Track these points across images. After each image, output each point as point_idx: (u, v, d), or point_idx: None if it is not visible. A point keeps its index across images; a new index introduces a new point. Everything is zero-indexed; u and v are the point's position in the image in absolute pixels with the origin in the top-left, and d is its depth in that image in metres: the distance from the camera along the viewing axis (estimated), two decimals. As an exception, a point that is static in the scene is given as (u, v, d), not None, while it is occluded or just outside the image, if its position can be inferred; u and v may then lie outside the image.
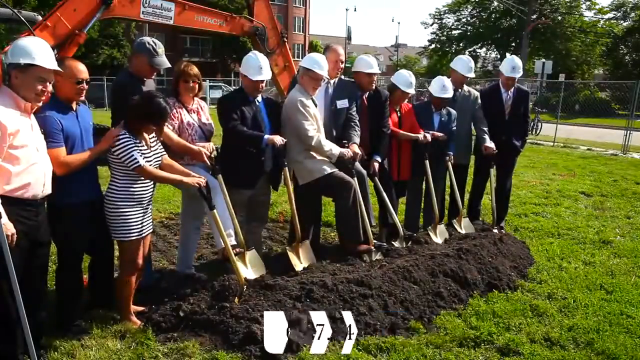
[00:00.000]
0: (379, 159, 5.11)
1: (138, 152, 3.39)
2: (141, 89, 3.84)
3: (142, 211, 3.55)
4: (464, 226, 5.89)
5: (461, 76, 5.89)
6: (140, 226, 3.54)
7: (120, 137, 3.38)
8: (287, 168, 4.46)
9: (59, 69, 3.00)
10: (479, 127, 5.97)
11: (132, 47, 4.38)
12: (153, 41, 3.98)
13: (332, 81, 4.91)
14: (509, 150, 6.06)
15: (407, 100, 5.65)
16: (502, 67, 6.09)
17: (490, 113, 6.00)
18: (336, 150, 4.52)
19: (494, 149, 5.82)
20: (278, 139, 4.28)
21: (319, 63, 4.48)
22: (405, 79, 5.38)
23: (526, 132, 6.36)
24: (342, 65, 5.00)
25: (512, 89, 6.00)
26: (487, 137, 5.87)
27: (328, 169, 4.54)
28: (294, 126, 4.46)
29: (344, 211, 4.60)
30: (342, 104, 4.88)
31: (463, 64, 5.97)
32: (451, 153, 5.73)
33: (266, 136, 4.28)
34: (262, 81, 4.33)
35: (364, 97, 5.16)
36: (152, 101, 3.44)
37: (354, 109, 4.97)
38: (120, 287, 3.66)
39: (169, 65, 4.10)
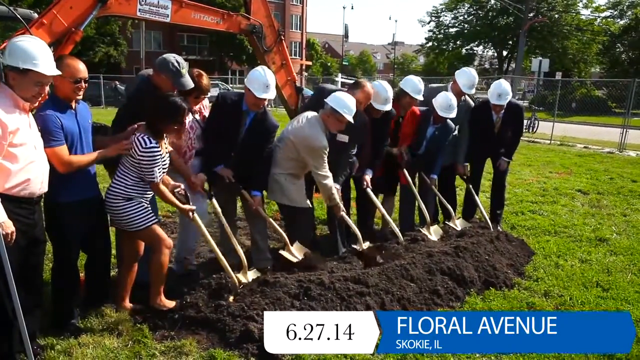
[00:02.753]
0: (369, 174, 5.14)
1: (159, 169, 3.48)
2: None
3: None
4: (459, 224, 5.92)
5: (460, 90, 5.75)
6: (152, 211, 3.64)
7: (151, 148, 3.40)
8: (245, 192, 4.39)
9: (59, 73, 3.00)
10: (460, 144, 5.94)
11: (155, 63, 4.28)
12: (177, 61, 3.92)
13: None
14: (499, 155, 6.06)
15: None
16: (489, 92, 5.82)
17: (479, 128, 5.94)
18: (336, 200, 4.59)
19: (464, 174, 5.99)
20: (229, 174, 4.26)
21: (349, 108, 4.33)
22: (415, 86, 5.29)
23: (514, 146, 6.16)
24: (364, 106, 4.81)
25: (502, 112, 5.86)
26: (461, 159, 5.96)
27: (307, 204, 4.64)
28: (307, 162, 4.42)
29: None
30: (342, 138, 4.73)
31: (466, 79, 5.74)
32: (435, 177, 5.71)
33: (220, 168, 4.28)
34: (264, 100, 4.22)
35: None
36: (169, 100, 3.52)
37: (354, 150, 4.90)
38: (155, 271, 3.69)
39: (193, 86, 4.04)
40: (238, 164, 4.34)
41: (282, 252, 4.55)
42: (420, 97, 5.32)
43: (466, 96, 6.02)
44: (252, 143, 4.33)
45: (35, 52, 2.85)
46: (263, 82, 4.16)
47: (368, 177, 5.13)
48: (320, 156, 4.37)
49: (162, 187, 3.56)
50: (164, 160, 3.57)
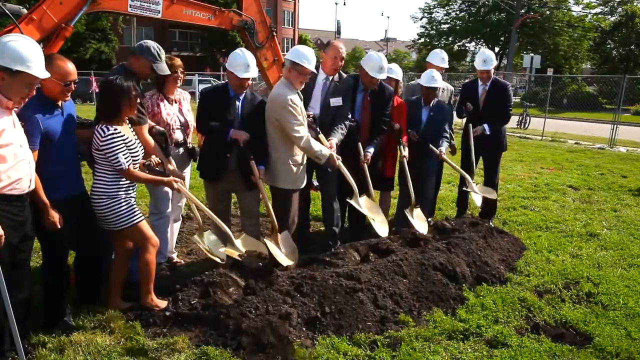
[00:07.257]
0: (370, 151, 5.04)
1: (124, 154, 3.41)
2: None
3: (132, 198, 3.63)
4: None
5: (436, 68, 5.93)
6: (138, 208, 3.63)
7: (110, 135, 3.37)
8: (253, 162, 4.21)
9: (49, 75, 2.96)
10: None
11: (134, 48, 4.35)
12: (158, 46, 4.04)
13: (330, 77, 4.77)
14: (489, 143, 6.07)
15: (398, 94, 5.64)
16: (475, 61, 6.26)
17: (466, 103, 6.18)
18: (326, 151, 4.42)
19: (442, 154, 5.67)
20: (243, 136, 4.16)
21: (307, 57, 4.28)
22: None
23: (501, 121, 6.14)
24: (342, 63, 4.81)
25: (488, 82, 6.05)
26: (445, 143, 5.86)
27: (301, 185, 4.58)
28: (281, 125, 4.29)
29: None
30: (336, 102, 4.75)
31: (435, 55, 6.22)
32: (442, 148, 5.59)
33: (232, 131, 4.18)
34: (248, 79, 4.22)
35: (367, 93, 5.08)
36: (112, 83, 3.48)
37: (348, 108, 4.88)
38: (143, 269, 3.67)
39: (169, 73, 4.16)
40: (239, 148, 4.25)
41: (267, 240, 4.32)
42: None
43: (446, 83, 6.30)
44: (250, 123, 4.30)
45: (28, 53, 2.80)
46: (243, 62, 4.17)
47: (369, 154, 5.01)
48: (288, 111, 4.22)
49: (133, 171, 3.50)
50: (131, 146, 3.50)
